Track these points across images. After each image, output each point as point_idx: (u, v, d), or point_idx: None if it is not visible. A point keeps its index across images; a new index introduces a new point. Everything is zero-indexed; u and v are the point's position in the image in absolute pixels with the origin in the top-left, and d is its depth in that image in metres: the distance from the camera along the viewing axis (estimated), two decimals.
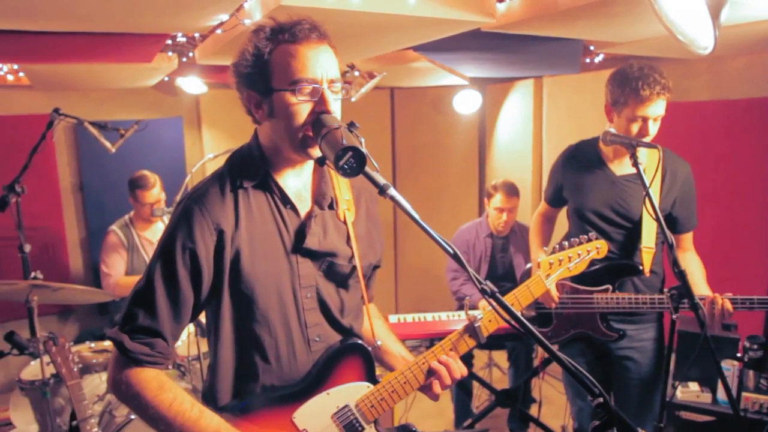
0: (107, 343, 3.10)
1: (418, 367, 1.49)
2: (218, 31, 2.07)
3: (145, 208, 3.61)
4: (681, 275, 1.92)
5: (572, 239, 1.77)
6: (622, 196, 2.29)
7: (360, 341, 1.51)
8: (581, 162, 2.40)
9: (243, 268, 1.36)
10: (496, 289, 1.24)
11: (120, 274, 3.59)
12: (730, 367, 2.79)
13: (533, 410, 3.52)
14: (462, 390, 3.51)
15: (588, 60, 3.76)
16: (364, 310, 1.60)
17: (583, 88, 4.01)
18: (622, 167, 2.32)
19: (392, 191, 1.23)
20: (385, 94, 5.16)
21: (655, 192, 2.22)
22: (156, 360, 1.34)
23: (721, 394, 2.84)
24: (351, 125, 1.28)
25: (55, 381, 2.89)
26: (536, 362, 3.42)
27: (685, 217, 2.33)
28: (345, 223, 1.50)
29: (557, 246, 1.76)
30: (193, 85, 4.05)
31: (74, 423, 2.33)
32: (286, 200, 1.43)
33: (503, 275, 3.59)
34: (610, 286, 2.30)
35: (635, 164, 2.02)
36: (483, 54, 3.32)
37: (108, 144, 3.16)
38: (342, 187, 1.53)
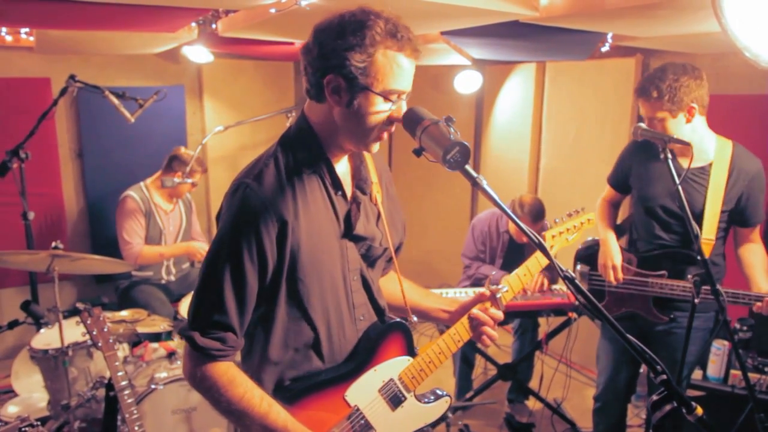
0: (124, 313, 3.11)
1: (450, 338, 1.60)
2: (272, 10, 2.08)
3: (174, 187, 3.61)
4: (705, 264, 2.06)
5: (568, 212, 1.90)
6: (687, 189, 2.34)
7: (401, 320, 1.59)
8: (652, 152, 2.42)
9: (302, 256, 1.38)
10: (574, 276, 1.32)
11: (141, 243, 3.56)
12: (721, 346, 3.01)
13: (531, 383, 3.71)
14: (464, 362, 3.65)
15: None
16: (390, 286, 1.71)
17: (586, 75, 4.12)
18: (688, 160, 2.32)
19: (485, 184, 1.30)
20: None
21: (720, 186, 2.34)
22: (227, 353, 1.36)
23: (710, 371, 3.06)
24: (449, 119, 1.34)
25: (73, 350, 2.91)
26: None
27: (752, 211, 2.40)
28: (376, 204, 1.55)
29: (556, 220, 1.88)
30: (199, 54, 3.99)
31: (111, 394, 2.36)
32: (338, 186, 1.45)
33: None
34: (666, 272, 2.44)
35: (665, 159, 2.13)
36: (497, 39, 3.38)
37: (128, 114, 3.11)
38: (371, 170, 1.57)
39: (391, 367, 1.56)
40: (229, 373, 1.36)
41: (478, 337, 1.63)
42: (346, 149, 1.45)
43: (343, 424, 1.49)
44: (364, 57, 1.30)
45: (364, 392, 1.52)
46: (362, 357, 1.53)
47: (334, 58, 1.31)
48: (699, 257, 2.07)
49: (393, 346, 1.57)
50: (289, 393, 1.45)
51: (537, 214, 3.34)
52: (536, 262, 1.73)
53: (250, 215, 1.31)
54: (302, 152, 1.41)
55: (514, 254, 3.58)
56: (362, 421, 1.51)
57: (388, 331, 1.57)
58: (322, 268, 1.42)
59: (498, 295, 1.63)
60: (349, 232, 1.47)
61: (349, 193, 1.49)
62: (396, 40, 1.31)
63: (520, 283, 1.71)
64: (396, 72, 1.32)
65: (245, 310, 1.36)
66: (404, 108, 1.38)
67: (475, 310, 1.61)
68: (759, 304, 2.27)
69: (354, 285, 1.51)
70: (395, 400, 1.55)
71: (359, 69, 1.31)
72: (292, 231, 1.35)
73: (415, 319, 1.66)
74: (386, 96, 1.33)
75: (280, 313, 1.41)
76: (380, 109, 1.34)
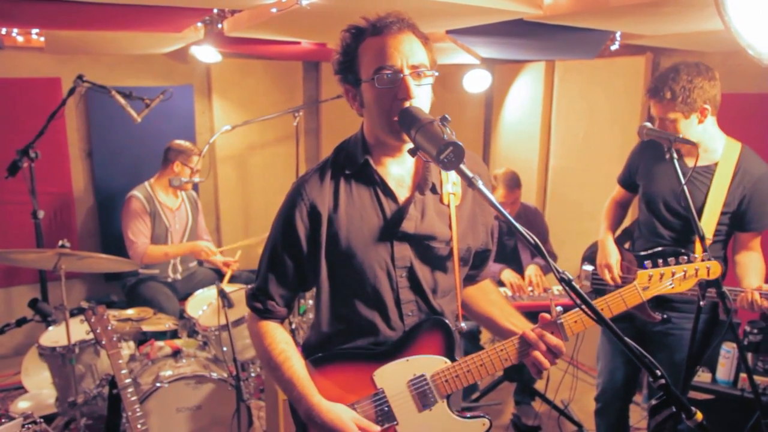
0: (130, 312, 3.14)
1: (497, 353, 1.53)
2: (273, 10, 2.08)
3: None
4: None
5: (681, 257, 1.73)
6: (689, 187, 2.26)
7: (445, 319, 1.57)
8: (660, 151, 2.36)
9: (339, 246, 1.49)
10: (572, 277, 1.30)
11: (146, 243, 3.58)
12: (730, 349, 2.96)
13: (538, 385, 3.68)
14: None
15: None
16: (480, 296, 1.71)
17: (596, 74, 4.08)
18: (693, 159, 2.31)
19: (480, 184, 1.29)
20: None
21: (723, 187, 2.29)
22: (266, 315, 1.59)
23: (719, 374, 3.02)
24: (444, 119, 1.33)
25: (80, 348, 2.93)
26: None
27: (754, 216, 2.32)
28: (448, 206, 1.55)
29: (662, 261, 1.70)
30: (207, 53, 4.01)
31: (115, 391, 2.38)
32: (385, 188, 1.51)
33: (510, 257, 3.67)
34: None
35: (671, 159, 2.10)
36: (504, 38, 3.36)
37: (134, 114, 3.13)
38: (450, 172, 1.55)
39: (425, 363, 1.53)
40: (264, 328, 1.60)
41: (530, 363, 1.52)
42: (393, 147, 1.50)
43: (365, 402, 1.51)
44: (352, 57, 1.44)
45: (392, 379, 1.52)
46: (398, 344, 1.54)
47: (335, 72, 1.51)
48: (707, 259, 2.04)
49: (431, 343, 1.55)
50: (322, 357, 1.56)
51: (510, 181, 3.45)
52: (620, 300, 1.58)
53: (288, 205, 1.53)
54: (351, 156, 1.53)
55: (504, 242, 3.66)
56: (386, 408, 1.51)
57: (428, 326, 1.55)
58: (363, 261, 1.50)
59: (558, 321, 1.51)
60: (395, 230, 1.49)
61: (407, 193, 1.53)
62: (372, 28, 1.41)
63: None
64: (377, 53, 1.39)
65: (284, 284, 1.57)
66: (413, 88, 1.38)
67: (528, 331, 1.51)
68: (742, 294, 2.22)
69: (401, 282, 1.53)
70: (424, 400, 1.52)
71: (351, 69, 1.45)
72: (329, 221, 1.49)
73: (463, 325, 1.61)
74: (375, 77, 1.38)
75: (324, 294, 1.57)
76: (378, 89, 1.39)
